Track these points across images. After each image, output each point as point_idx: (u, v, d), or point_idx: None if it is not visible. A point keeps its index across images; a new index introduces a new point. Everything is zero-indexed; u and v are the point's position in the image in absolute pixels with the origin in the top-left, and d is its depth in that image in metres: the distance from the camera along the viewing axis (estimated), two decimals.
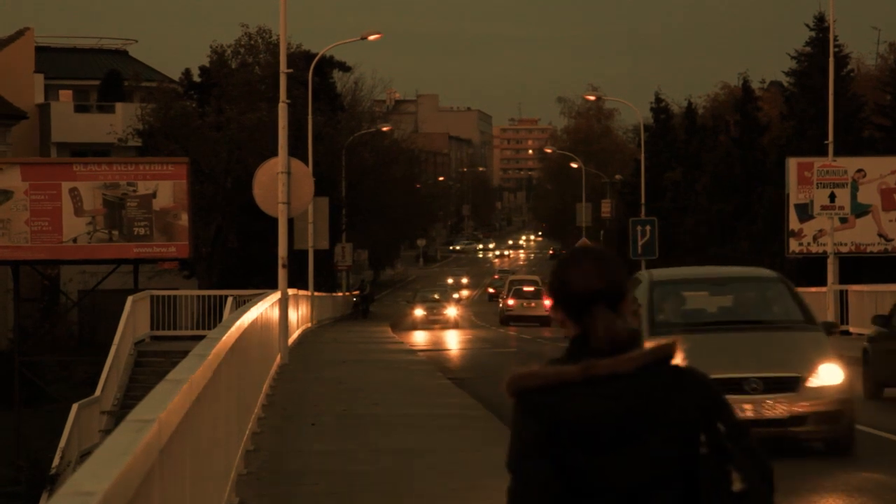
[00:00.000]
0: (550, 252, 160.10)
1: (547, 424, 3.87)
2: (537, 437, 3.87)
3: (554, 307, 4.00)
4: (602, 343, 3.89)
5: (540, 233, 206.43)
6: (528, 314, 64.51)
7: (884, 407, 20.66)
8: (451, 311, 65.25)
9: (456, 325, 63.00)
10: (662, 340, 3.93)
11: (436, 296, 67.65)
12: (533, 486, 3.85)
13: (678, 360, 3.94)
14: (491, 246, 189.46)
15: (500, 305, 71.63)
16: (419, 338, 50.85)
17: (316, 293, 49.95)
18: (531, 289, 67.69)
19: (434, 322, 62.67)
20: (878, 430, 17.23)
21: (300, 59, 58.36)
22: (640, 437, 3.85)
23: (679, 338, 3.99)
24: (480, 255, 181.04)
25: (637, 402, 3.86)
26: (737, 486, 3.85)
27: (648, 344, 3.91)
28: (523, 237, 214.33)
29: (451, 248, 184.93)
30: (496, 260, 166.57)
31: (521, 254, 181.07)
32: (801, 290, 44.03)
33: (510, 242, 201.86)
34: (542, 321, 60.58)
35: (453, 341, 49.31)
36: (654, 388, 3.88)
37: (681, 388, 3.92)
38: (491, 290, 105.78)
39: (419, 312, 64.42)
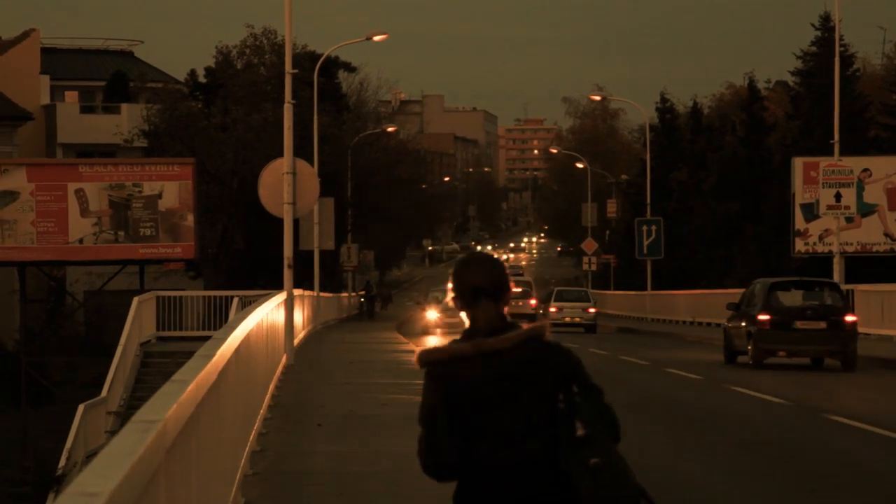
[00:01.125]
0: (559, 249, 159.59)
1: (446, 388, 5.07)
2: (440, 398, 5.06)
3: (454, 299, 5.23)
4: (483, 326, 5.11)
5: (542, 234, 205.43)
6: (515, 312, 63.98)
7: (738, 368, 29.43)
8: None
9: None
10: (537, 323, 5.16)
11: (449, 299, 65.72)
12: (438, 434, 5.09)
13: (548, 337, 5.14)
14: (489, 249, 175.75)
15: None
16: (433, 343, 50.45)
17: (321, 294, 49.94)
18: (518, 290, 67.35)
19: (451, 326, 59.64)
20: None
21: (306, 59, 58.39)
22: (517, 397, 5.07)
23: (548, 321, 5.34)
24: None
25: (514, 370, 5.08)
26: (580, 432, 5.00)
27: (526, 326, 5.14)
28: (525, 239, 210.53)
29: (445, 247, 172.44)
30: None
31: (523, 256, 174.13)
32: None
33: (511, 245, 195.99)
34: (530, 318, 60.53)
35: None
36: (527, 359, 5.09)
37: (547, 358, 5.11)
38: None
39: (432, 315, 61.72)
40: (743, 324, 29.29)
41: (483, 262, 5.30)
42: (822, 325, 28.45)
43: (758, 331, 28.46)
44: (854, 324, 28.97)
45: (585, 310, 56.10)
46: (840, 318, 28.54)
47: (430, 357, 5.12)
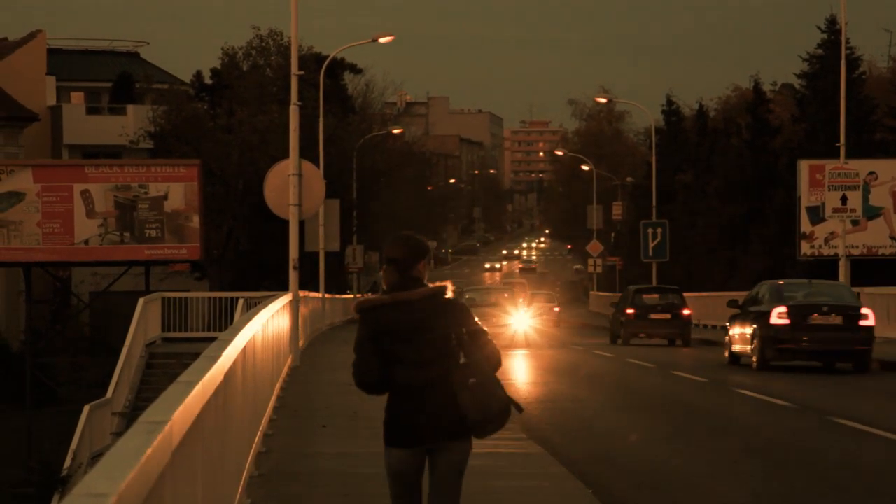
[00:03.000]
0: (569, 247, 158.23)
1: (372, 327, 7.24)
2: (367, 333, 7.24)
3: (385, 264, 7.37)
4: (396, 283, 7.28)
5: (542, 238, 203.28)
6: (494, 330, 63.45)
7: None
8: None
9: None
10: (440, 283, 7.29)
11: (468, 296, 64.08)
12: (365, 359, 7.24)
13: (449, 293, 7.28)
14: (484, 267, 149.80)
15: None
16: None
17: (327, 295, 49.93)
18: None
19: None
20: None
21: (311, 61, 58.42)
22: (422, 334, 7.20)
23: (449, 281, 7.37)
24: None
25: (420, 315, 7.22)
26: (462, 360, 7.19)
27: (433, 284, 7.27)
28: (524, 243, 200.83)
29: (443, 250, 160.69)
30: (486, 274, 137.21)
31: (517, 265, 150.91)
32: None
33: (504, 252, 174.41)
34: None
35: None
36: (430, 308, 7.24)
37: (446, 308, 7.27)
38: None
39: None
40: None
41: (399, 241, 7.46)
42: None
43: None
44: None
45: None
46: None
47: (362, 305, 7.34)
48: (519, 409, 7.23)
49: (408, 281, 7.28)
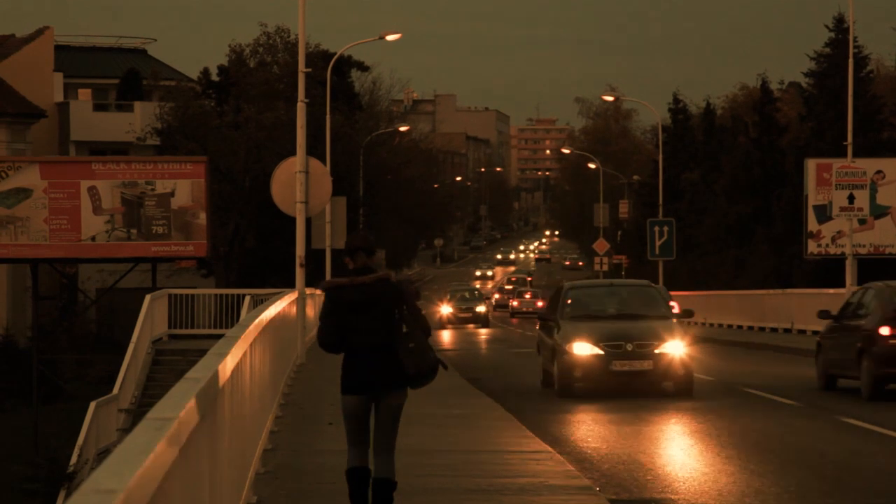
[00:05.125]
0: (566, 263, 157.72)
1: (334, 303, 9.55)
2: (331, 307, 9.57)
3: (345, 255, 9.75)
4: (356, 268, 9.61)
5: (544, 240, 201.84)
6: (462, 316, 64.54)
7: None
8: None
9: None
10: (386, 271, 9.62)
11: (467, 294, 67.74)
12: (328, 326, 9.57)
13: (393, 279, 9.64)
14: (475, 274, 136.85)
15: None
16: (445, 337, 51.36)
17: None
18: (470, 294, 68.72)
19: (462, 320, 63.31)
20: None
21: (318, 58, 58.40)
22: (373, 309, 9.49)
23: (388, 272, 9.72)
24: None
25: (372, 295, 9.51)
26: (404, 329, 9.48)
27: (381, 272, 9.61)
28: (521, 246, 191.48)
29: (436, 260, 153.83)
30: (477, 282, 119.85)
31: (511, 270, 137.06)
32: (819, 291, 44.26)
33: (498, 257, 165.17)
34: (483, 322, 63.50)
35: (472, 340, 49.26)
36: (380, 289, 9.52)
37: (392, 290, 9.55)
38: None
39: (446, 310, 64.53)
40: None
41: (363, 234, 10.11)
42: None
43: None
44: None
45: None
46: None
47: (327, 286, 9.77)
48: (445, 366, 9.73)
49: (364, 269, 9.63)
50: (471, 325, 62.52)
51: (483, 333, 56.01)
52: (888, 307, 21.96)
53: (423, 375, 9.53)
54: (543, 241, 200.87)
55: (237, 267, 56.45)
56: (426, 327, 9.61)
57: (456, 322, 63.10)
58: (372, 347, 9.46)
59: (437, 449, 14.92)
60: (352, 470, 9.83)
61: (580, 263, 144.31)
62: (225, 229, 55.91)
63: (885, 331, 21.63)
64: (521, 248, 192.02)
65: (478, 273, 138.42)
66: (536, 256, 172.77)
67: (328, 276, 49.86)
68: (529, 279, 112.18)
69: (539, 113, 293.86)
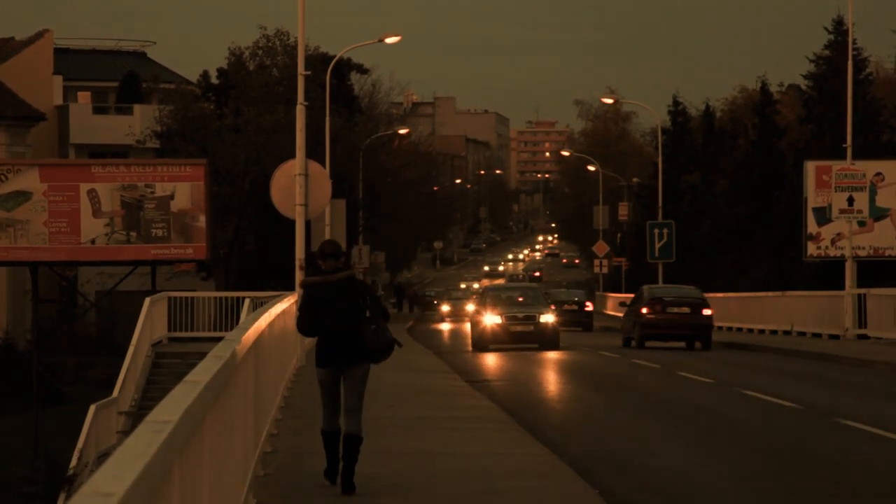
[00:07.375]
0: (564, 261, 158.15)
1: (311, 295, 12.10)
2: (308, 300, 12.09)
3: (318, 258, 12.10)
4: (328, 269, 12.05)
5: (538, 246, 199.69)
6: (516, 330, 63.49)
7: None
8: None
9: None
10: (349, 272, 12.18)
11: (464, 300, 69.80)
12: (305, 314, 12.07)
13: (357, 276, 12.59)
14: (460, 287, 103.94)
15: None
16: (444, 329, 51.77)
17: None
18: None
19: (458, 317, 65.73)
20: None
21: (318, 61, 58.38)
22: (342, 300, 11.94)
23: (353, 271, 12.40)
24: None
25: (341, 290, 11.99)
26: (367, 314, 11.91)
27: (347, 272, 12.18)
28: (510, 255, 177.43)
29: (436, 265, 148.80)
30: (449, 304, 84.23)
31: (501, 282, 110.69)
32: (819, 293, 44.61)
33: (486, 269, 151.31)
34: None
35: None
36: (348, 284, 12.04)
37: (358, 286, 12.20)
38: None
39: (446, 308, 67.04)
40: None
41: (332, 242, 12.38)
42: None
43: None
44: None
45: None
46: None
47: (305, 283, 12.45)
48: (399, 344, 12.20)
49: (334, 269, 12.00)
50: (530, 344, 38.81)
51: (552, 359, 35.06)
52: (647, 298, 39.55)
53: (381, 352, 11.96)
54: (537, 247, 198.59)
55: (237, 270, 56.44)
56: (385, 312, 12.19)
57: (507, 341, 38.76)
58: (340, 331, 11.86)
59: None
60: (325, 432, 12.10)
61: (577, 261, 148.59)
62: (224, 232, 55.91)
63: (644, 311, 39.04)
64: (510, 256, 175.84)
65: (462, 286, 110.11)
66: (546, 252, 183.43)
67: None
68: (537, 274, 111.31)
69: (538, 115, 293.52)
